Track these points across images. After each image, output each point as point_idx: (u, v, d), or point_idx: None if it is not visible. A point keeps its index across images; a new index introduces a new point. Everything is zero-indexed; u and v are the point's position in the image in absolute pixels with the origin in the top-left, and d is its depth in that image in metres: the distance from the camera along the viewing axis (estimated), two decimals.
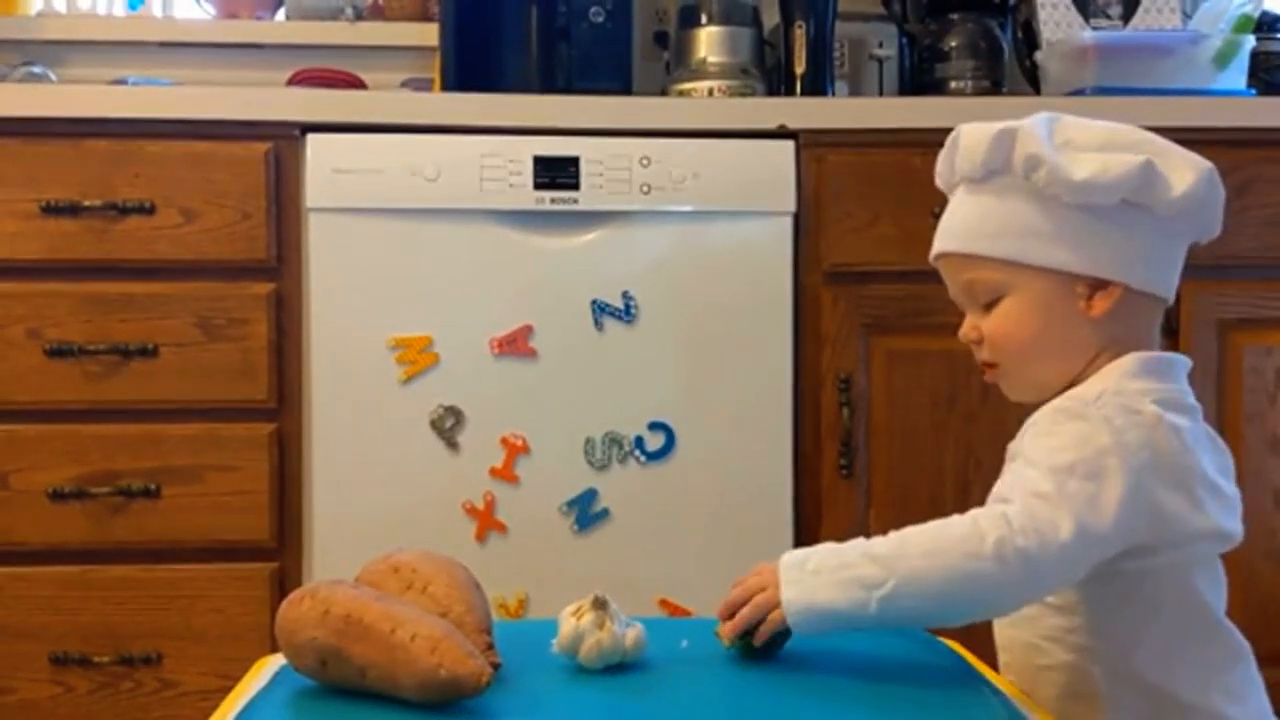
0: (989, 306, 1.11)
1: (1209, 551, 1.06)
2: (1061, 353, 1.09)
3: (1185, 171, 1.06)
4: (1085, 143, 1.07)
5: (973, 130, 1.10)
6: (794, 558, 1.01)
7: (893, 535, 1.00)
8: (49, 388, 1.75)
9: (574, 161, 1.79)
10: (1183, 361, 1.10)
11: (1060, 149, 1.06)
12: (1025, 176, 1.06)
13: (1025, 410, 1.15)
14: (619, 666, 0.99)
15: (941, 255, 1.15)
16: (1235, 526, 1.06)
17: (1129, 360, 1.07)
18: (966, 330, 1.14)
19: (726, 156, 1.81)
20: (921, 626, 1.03)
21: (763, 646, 1.01)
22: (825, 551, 1.01)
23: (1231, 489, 1.08)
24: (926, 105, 1.95)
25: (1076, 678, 1.06)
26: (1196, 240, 1.11)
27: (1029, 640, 1.10)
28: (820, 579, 0.98)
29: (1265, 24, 2.14)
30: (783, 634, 1.01)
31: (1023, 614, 1.10)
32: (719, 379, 1.82)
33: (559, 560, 1.80)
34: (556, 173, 1.79)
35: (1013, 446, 1.10)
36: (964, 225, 1.12)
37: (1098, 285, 1.07)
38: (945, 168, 1.15)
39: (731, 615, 1.02)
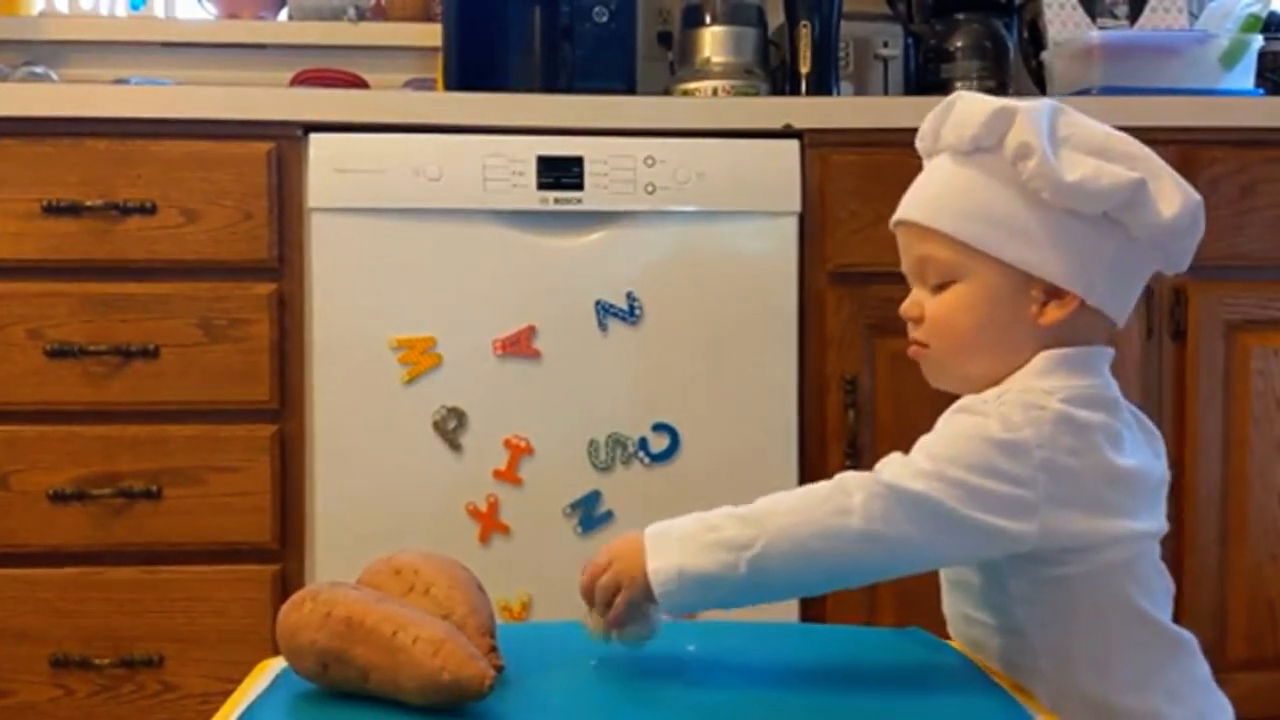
0: (938, 288, 1.07)
1: (1130, 552, 1.02)
2: (996, 352, 1.05)
3: (1174, 199, 1.02)
4: (1083, 143, 1.03)
5: (971, 100, 1.06)
6: (658, 527, 0.99)
7: (760, 500, 0.98)
8: (50, 388, 1.74)
9: (578, 161, 1.78)
10: (1101, 353, 1.06)
11: (1057, 144, 1.02)
12: (1013, 163, 1.02)
13: None
14: (623, 669, 0.99)
15: (902, 223, 1.10)
16: (1154, 523, 1.03)
17: (1039, 359, 1.04)
18: (909, 306, 1.10)
19: (731, 156, 1.81)
20: (795, 594, 0.96)
21: (632, 632, 0.98)
22: (691, 519, 0.99)
23: (1158, 473, 1.05)
24: (932, 105, 1.93)
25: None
26: (1160, 271, 1.07)
27: (987, 663, 1.06)
28: (687, 544, 0.96)
29: (1273, 24, 2.14)
30: (647, 618, 0.98)
31: (973, 638, 1.09)
32: (723, 380, 1.81)
33: (563, 562, 1.77)
34: (560, 173, 1.78)
35: None
36: (933, 197, 1.07)
37: (1054, 293, 1.03)
38: (930, 131, 1.10)
39: (592, 599, 0.99)
